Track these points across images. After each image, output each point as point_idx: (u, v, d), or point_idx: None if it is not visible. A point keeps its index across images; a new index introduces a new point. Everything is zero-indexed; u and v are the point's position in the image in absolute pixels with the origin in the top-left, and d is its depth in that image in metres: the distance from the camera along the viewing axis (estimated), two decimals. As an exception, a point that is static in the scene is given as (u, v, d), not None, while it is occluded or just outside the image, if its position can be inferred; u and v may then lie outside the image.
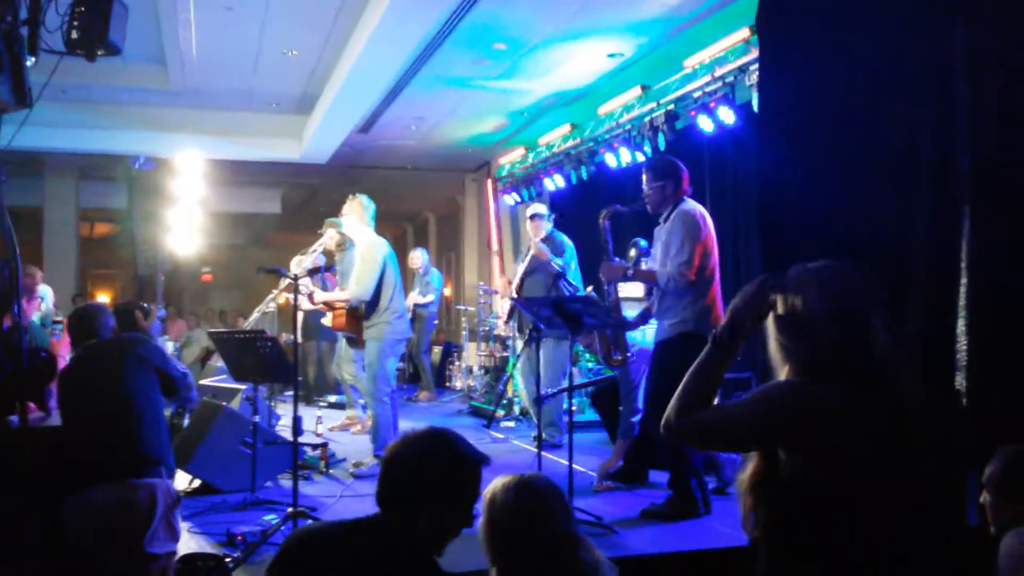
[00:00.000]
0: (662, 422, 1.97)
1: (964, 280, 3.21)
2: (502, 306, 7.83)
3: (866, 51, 3.74)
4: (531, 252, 6.92)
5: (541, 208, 7.14)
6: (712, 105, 6.92)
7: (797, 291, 1.95)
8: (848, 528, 1.87)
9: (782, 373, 1.98)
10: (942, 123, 3.43)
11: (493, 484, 2.29)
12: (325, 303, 6.15)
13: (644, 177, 4.79)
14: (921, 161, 3.45)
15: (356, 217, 5.94)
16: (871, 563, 1.88)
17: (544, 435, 6.31)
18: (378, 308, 5.72)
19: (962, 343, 3.22)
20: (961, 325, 3.21)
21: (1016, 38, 3.24)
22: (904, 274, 3.42)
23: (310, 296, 5.99)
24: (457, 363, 11.46)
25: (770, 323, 2.01)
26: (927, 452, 1.95)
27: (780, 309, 1.97)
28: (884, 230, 3.55)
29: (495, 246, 12.45)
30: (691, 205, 4.68)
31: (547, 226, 7.00)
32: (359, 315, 5.85)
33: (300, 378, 5.88)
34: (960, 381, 3.24)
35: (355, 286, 5.78)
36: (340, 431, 7.41)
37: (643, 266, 5.41)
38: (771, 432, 1.91)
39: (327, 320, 6.17)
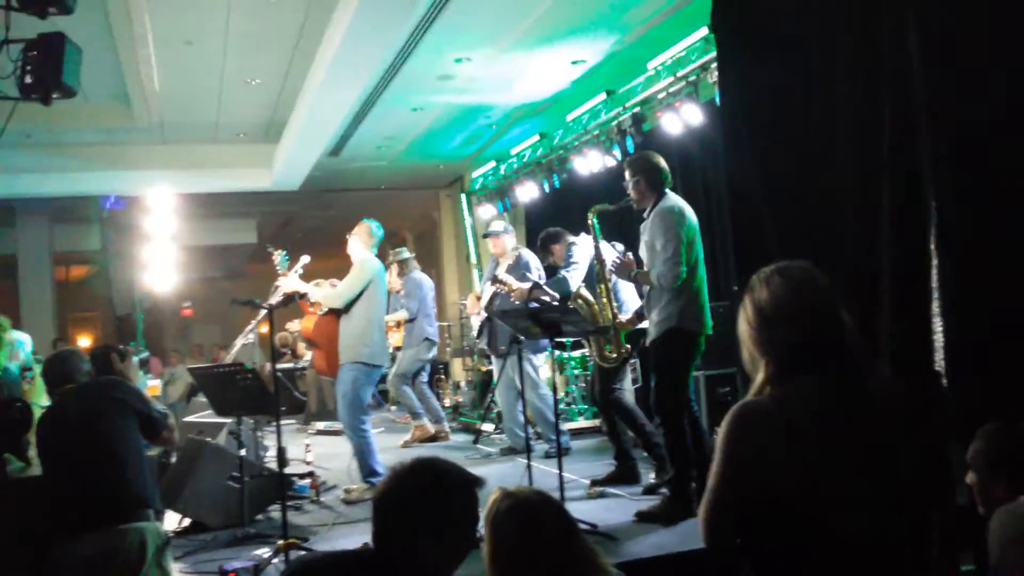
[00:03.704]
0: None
1: (935, 263, 3.23)
2: (474, 323, 7.82)
3: (823, 45, 3.77)
4: (498, 268, 6.87)
5: (497, 225, 6.98)
6: (677, 105, 6.96)
7: (763, 286, 2.02)
8: (824, 526, 1.88)
9: (759, 372, 2.01)
10: (903, 108, 3.45)
11: (489, 505, 2.18)
12: (298, 292, 6.01)
13: (625, 175, 4.80)
14: (884, 150, 3.47)
15: (361, 240, 5.89)
16: (850, 558, 1.88)
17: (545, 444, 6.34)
18: (356, 327, 5.64)
19: (937, 324, 3.24)
20: (935, 308, 3.23)
21: (967, 24, 3.27)
22: (875, 264, 3.44)
23: (283, 275, 5.83)
24: (444, 379, 11.42)
25: (742, 327, 2.06)
26: (902, 439, 1.96)
27: (749, 306, 2.03)
28: (851, 221, 3.57)
29: (474, 259, 12.44)
30: (670, 200, 4.62)
31: (509, 242, 6.84)
32: (335, 319, 5.76)
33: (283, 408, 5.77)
34: (939, 362, 3.26)
35: (334, 289, 5.77)
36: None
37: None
38: (753, 468, 1.92)
39: (298, 324, 6.14)
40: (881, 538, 1.90)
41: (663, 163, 4.73)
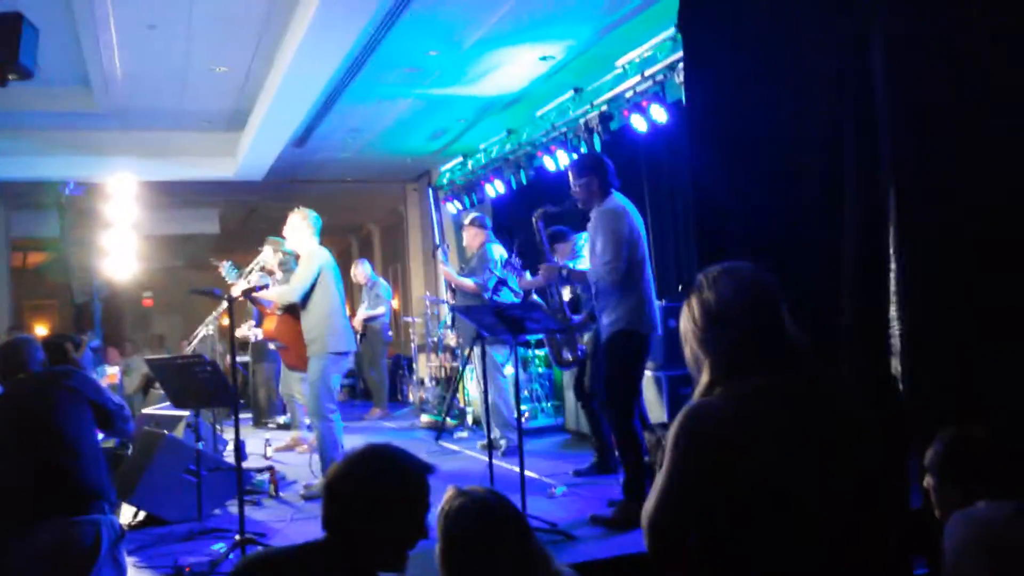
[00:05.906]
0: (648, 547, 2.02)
1: (893, 267, 3.27)
2: (448, 316, 7.86)
3: (788, 48, 3.79)
4: (471, 262, 6.93)
5: (466, 217, 7.11)
6: (644, 104, 6.97)
7: (711, 287, 2.04)
8: (778, 525, 1.89)
9: (704, 372, 2.03)
10: (864, 116, 3.48)
11: (442, 504, 2.19)
12: (251, 299, 5.99)
13: (570, 176, 4.82)
14: (846, 155, 3.50)
15: (300, 231, 5.83)
16: (805, 557, 1.89)
17: (503, 440, 6.36)
18: (317, 319, 5.58)
19: (895, 328, 3.27)
20: (892, 311, 3.26)
21: (931, 28, 3.30)
22: (836, 266, 3.47)
23: (231, 289, 5.84)
24: (408, 376, 11.38)
25: (685, 326, 2.09)
26: (850, 433, 1.98)
27: (695, 306, 2.06)
28: (814, 224, 3.60)
29: (441, 256, 12.37)
30: (614, 201, 4.69)
31: (480, 235, 6.92)
32: (295, 315, 5.71)
33: (243, 401, 5.74)
34: (895, 366, 3.30)
35: (286, 287, 5.74)
36: (285, 451, 7.28)
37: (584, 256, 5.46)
38: (705, 467, 1.91)
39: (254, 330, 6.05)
40: (835, 536, 1.91)
41: (611, 165, 4.77)
